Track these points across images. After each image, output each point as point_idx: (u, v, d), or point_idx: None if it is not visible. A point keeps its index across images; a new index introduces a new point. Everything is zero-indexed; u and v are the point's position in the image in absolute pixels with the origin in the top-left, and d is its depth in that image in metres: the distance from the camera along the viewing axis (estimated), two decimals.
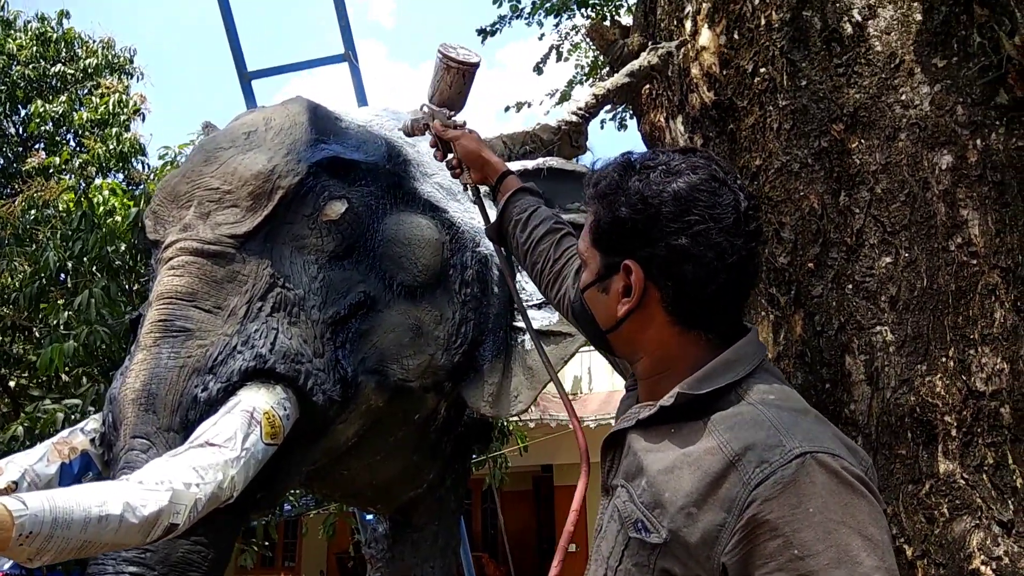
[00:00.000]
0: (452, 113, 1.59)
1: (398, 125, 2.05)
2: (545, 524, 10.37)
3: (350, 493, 2.15)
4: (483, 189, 1.65)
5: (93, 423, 1.54)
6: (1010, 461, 1.67)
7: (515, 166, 2.10)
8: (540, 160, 2.05)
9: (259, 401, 1.39)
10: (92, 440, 1.50)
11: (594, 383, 10.74)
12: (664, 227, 0.94)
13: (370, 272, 1.73)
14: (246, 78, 2.87)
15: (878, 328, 1.85)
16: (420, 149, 2.01)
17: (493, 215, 1.53)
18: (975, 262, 1.81)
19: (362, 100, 2.91)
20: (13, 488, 1.33)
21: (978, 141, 1.90)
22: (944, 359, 1.76)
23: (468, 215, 1.99)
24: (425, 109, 1.60)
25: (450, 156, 1.57)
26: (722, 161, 1.01)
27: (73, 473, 1.44)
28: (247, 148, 1.67)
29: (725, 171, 0.99)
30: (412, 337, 1.75)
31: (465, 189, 1.61)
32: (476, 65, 1.58)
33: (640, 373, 1.06)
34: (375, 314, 1.71)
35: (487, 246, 1.97)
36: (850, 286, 1.89)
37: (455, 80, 1.55)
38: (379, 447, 1.85)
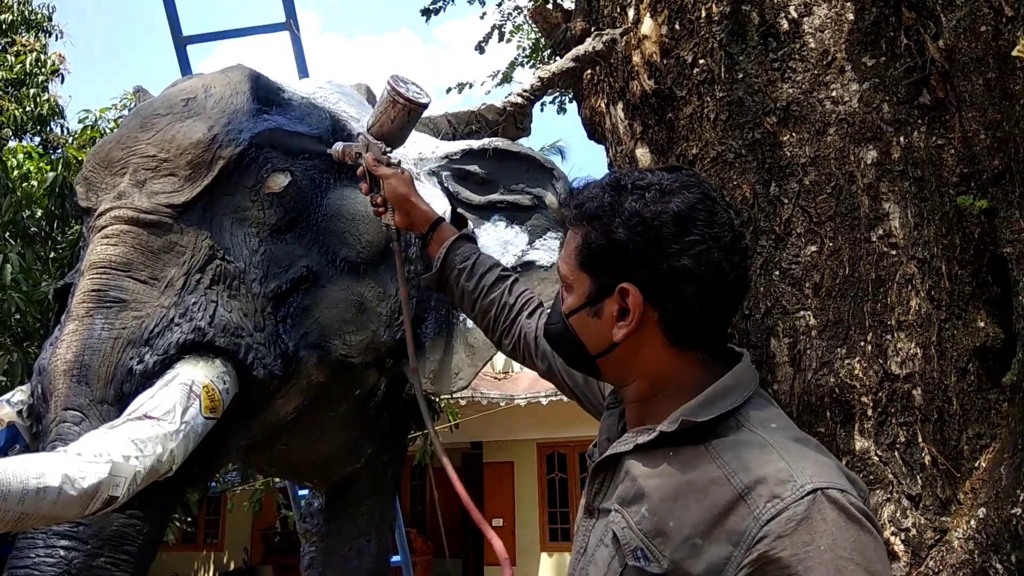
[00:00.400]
0: (388, 149, 1.52)
1: (342, 100, 2.03)
2: (474, 500, 10.46)
3: (288, 467, 2.14)
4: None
5: (20, 394, 1.49)
6: (920, 440, 1.79)
7: (460, 145, 2.11)
8: (486, 140, 2.06)
9: (198, 374, 1.37)
10: (19, 412, 1.45)
11: None
12: (665, 248, 0.93)
13: (313, 246, 1.72)
14: (182, 42, 2.77)
15: (802, 313, 1.94)
16: (364, 124, 1.99)
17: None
18: (894, 253, 1.92)
19: (303, 71, 2.85)
20: None
21: (901, 138, 2.00)
22: (863, 343, 1.87)
23: None
24: (361, 138, 1.53)
25: (376, 193, 1.50)
26: (705, 179, 1.03)
27: (0, 445, 1.39)
28: (186, 116, 1.63)
29: (713, 188, 1.00)
30: (355, 313, 1.75)
31: (386, 229, 1.56)
32: (424, 106, 1.52)
33: (630, 396, 1.04)
34: (317, 289, 1.69)
35: None
36: (777, 272, 1.98)
37: (399, 116, 1.50)
38: (319, 422, 1.84)
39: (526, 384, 9.77)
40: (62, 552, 1.26)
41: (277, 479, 6.76)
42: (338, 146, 1.56)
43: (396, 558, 2.63)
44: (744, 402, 0.94)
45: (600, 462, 1.02)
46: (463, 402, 8.26)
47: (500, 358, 10.68)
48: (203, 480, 1.56)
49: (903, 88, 2.01)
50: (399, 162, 1.53)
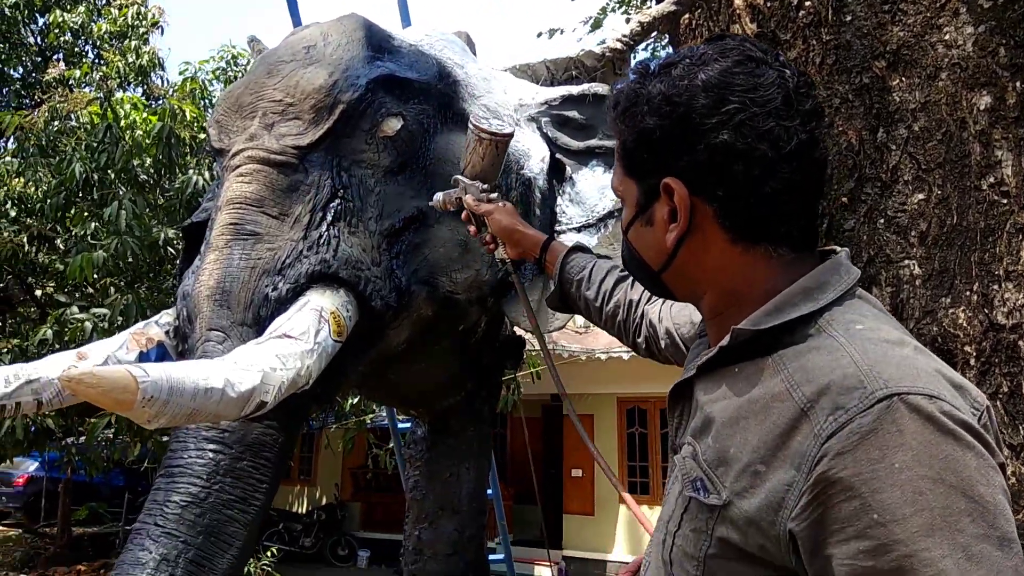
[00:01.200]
0: (485, 186, 1.56)
1: (446, 47, 2.10)
2: (552, 451, 10.68)
3: (396, 396, 2.28)
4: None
5: (167, 316, 1.65)
6: (1023, 390, 1.78)
7: (559, 91, 2.15)
8: (585, 86, 2.09)
9: (326, 302, 1.49)
10: (167, 332, 1.61)
11: None
12: (699, 125, 0.79)
13: (422, 188, 1.80)
14: None
15: (906, 262, 1.93)
16: (468, 71, 2.05)
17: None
18: (1005, 201, 1.87)
19: (406, 20, 2.93)
20: None
21: (1018, 83, 1.93)
22: (968, 293, 1.85)
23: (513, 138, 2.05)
24: (457, 182, 1.58)
25: (484, 232, 1.53)
26: (758, 42, 0.85)
27: (151, 361, 1.55)
28: (308, 62, 1.72)
29: (763, 50, 0.83)
30: (460, 252, 1.83)
31: (501, 265, 1.60)
32: (509, 136, 1.56)
33: (706, 313, 0.91)
34: (426, 229, 1.79)
35: (530, 169, 2.03)
36: (882, 221, 1.96)
37: (487, 151, 1.54)
38: (426, 354, 1.96)
39: (607, 339, 9.81)
40: (210, 454, 1.41)
41: (368, 420, 7.09)
42: (438, 196, 1.62)
43: (489, 491, 2.77)
44: (831, 304, 0.78)
45: (674, 392, 0.90)
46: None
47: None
48: (326, 400, 1.70)
49: (1021, 31, 1.93)
50: (498, 196, 1.57)
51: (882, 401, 0.67)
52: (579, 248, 1.46)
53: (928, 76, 1.98)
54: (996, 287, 1.84)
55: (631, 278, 1.32)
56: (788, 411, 0.72)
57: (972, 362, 1.80)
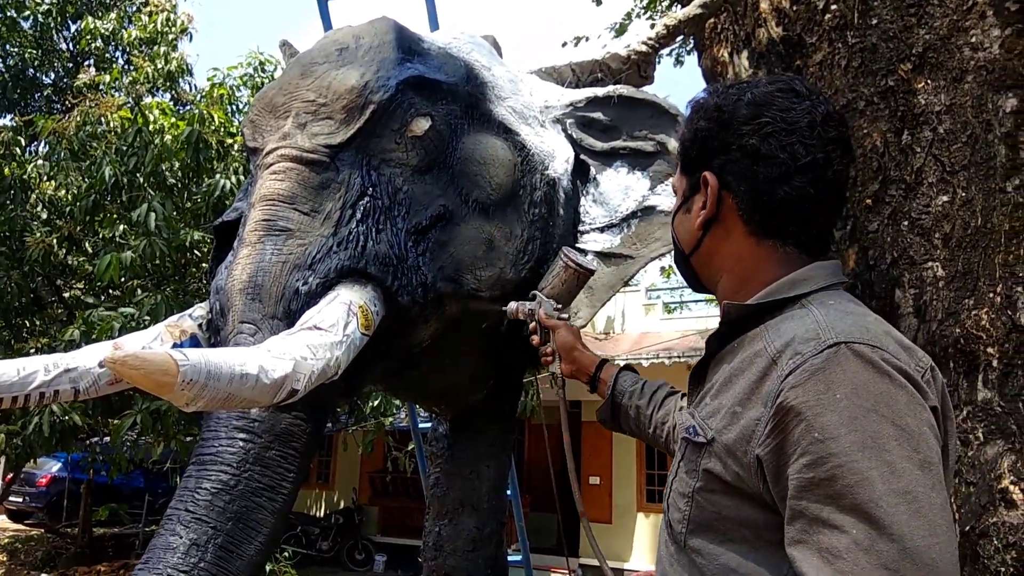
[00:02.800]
0: (559, 306, 1.75)
1: (474, 50, 2.13)
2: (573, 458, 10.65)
3: (420, 393, 2.31)
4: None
5: (200, 310, 1.69)
6: None
7: (584, 93, 2.18)
8: (610, 88, 2.11)
9: (355, 296, 1.52)
10: (200, 325, 1.65)
11: (627, 323, 10.87)
12: (737, 130, 0.96)
13: (449, 187, 1.83)
14: None
15: (929, 264, 1.93)
16: (495, 73, 2.08)
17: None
18: None
19: (434, 24, 2.97)
20: None
21: None
22: (991, 295, 1.84)
23: (538, 139, 2.07)
24: (535, 297, 1.77)
25: (547, 344, 1.69)
26: (807, 82, 1.04)
27: None
28: (340, 64, 1.76)
29: (808, 88, 0.99)
30: (485, 251, 1.86)
31: (553, 379, 1.72)
32: (592, 272, 1.77)
33: (721, 295, 1.06)
34: (452, 227, 1.82)
35: (555, 169, 2.06)
36: (906, 222, 1.96)
37: (569, 279, 1.75)
38: (449, 351, 1.98)
39: (627, 345, 9.80)
40: (240, 442, 1.44)
41: (387, 422, 7.12)
42: (512, 305, 1.78)
43: (508, 491, 2.79)
44: (814, 291, 0.93)
45: (692, 375, 1.06)
46: None
47: (601, 318, 10.72)
48: (352, 393, 1.73)
49: None
50: (569, 318, 1.76)
51: (832, 347, 0.81)
52: (630, 367, 1.63)
53: (954, 79, 1.99)
54: (1020, 289, 1.83)
55: (679, 393, 1.44)
56: (762, 362, 0.87)
57: (995, 363, 1.80)
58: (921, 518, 0.72)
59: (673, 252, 1.16)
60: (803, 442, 0.78)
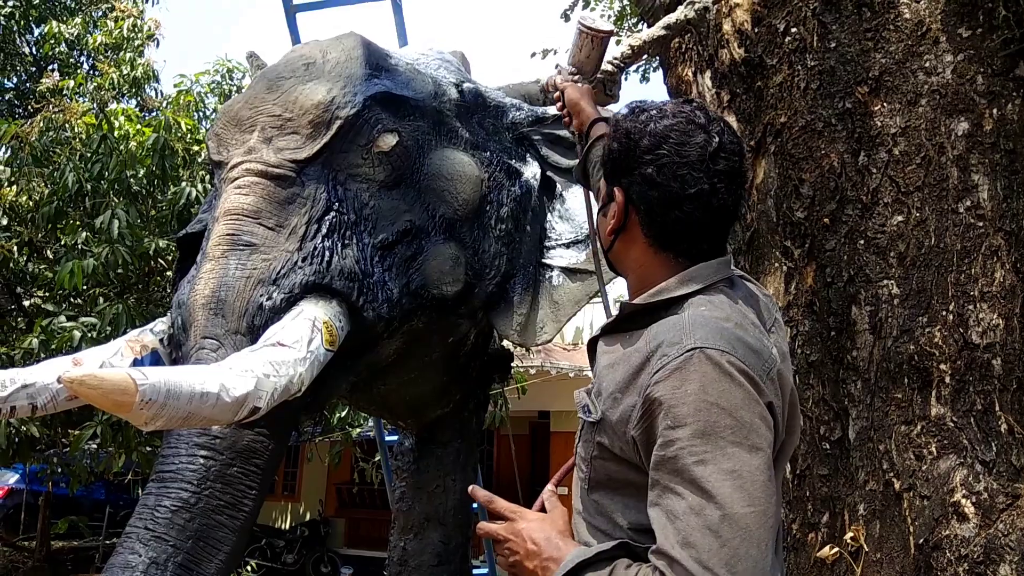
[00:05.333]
0: (578, 76, 1.84)
1: (442, 66, 2.15)
2: (540, 469, 10.67)
3: (385, 407, 2.30)
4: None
5: (161, 324, 1.67)
6: (997, 408, 1.82)
7: (551, 111, 2.20)
8: None
9: (319, 312, 1.52)
10: (161, 340, 1.63)
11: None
12: (640, 158, 1.11)
13: (415, 203, 1.84)
14: (292, 11, 2.93)
15: (885, 282, 1.98)
16: (463, 89, 2.10)
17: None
18: (981, 224, 1.93)
19: (403, 39, 2.98)
20: None
21: (995, 110, 2.00)
22: (944, 313, 1.90)
23: (505, 155, 2.09)
24: (557, 67, 1.86)
25: (560, 105, 1.80)
26: (712, 112, 1.15)
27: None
28: (307, 79, 1.77)
29: (710, 119, 1.12)
30: (451, 266, 1.87)
31: (572, 136, 1.83)
32: (608, 33, 1.82)
33: (629, 289, 1.23)
34: (419, 242, 1.82)
35: (521, 185, 2.08)
36: (862, 241, 2.02)
37: (586, 44, 1.81)
38: (415, 365, 1.99)
39: None
40: (201, 459, 1.43)
41: (355, 433, 7.07)
42: (542, 80, 1.94)
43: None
44: (700, 290, 1.08)
45: (588, 345, 1.24)
46: (532, 371, 8.40)
47: (570, 328, 10.76)
48: (316, 409, 1.72)
49: (999, 60, 2.01)
50: (583, 83, 1.85)
51: (690, 351, 0.97)
52: (605, 120, 1.68)
53: (908, 102, 2.05)
54: (971, 307, 1.89)
55: None
56: (640, 357, 1.03)
57: (947, 380, 1.85)
58: (743, 492, 0.89)
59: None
60: (661, 426, 0.95)
